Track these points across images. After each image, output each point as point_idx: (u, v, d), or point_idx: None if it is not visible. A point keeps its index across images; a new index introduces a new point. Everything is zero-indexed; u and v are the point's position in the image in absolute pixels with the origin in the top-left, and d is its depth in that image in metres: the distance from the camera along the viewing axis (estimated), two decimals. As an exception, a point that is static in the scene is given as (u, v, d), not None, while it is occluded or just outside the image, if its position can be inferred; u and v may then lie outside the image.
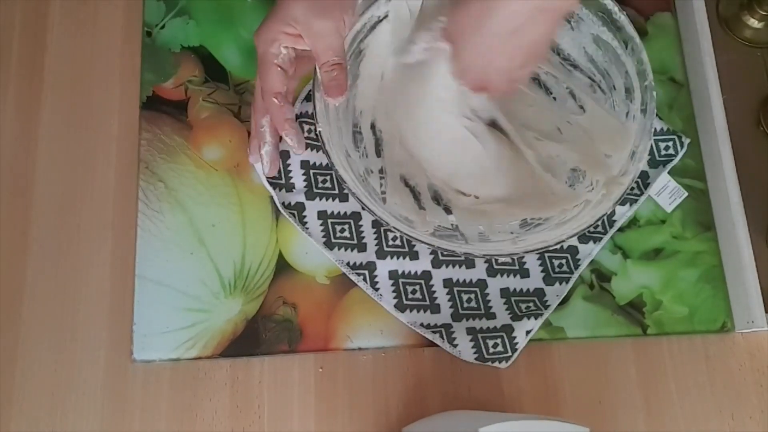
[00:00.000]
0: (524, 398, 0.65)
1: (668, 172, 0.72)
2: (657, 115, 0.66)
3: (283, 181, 0.69)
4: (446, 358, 0.66)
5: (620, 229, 0.70)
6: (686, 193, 0.72)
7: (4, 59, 0.73)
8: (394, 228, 0.60)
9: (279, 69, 0.61)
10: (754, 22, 0.76)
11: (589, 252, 0.69)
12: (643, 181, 0.71)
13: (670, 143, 0.73)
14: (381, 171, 0.68)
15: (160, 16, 0.74)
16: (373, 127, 0.70)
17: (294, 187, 0.69)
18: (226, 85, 0.73)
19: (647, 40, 0.76)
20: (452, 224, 0.66)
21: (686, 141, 0.73)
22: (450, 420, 0.61)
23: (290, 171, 0.70)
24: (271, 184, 0.69)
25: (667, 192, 0.72)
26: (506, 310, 0.67)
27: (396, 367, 0.66)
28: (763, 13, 0.75)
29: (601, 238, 0.70)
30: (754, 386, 0.67)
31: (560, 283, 0.68)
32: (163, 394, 0.64)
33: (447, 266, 0.68)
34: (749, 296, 0.67)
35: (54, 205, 0.69)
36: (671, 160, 0.72)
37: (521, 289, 0.68)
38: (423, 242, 0.61)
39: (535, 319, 0.66)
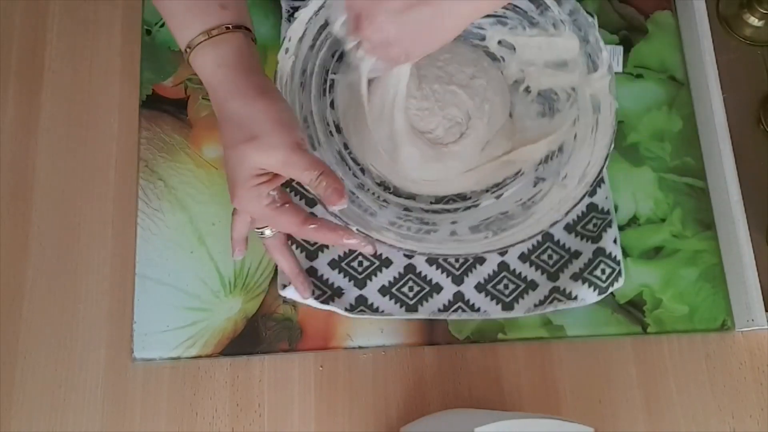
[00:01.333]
0: (524, 397, 0.65)
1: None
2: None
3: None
4: (446, 357, 0.66)
5: (620, 228, 0.70)
6: (621, 46, 0.71)
7: (4, 59, 0.73)
8: (357, 228, 0.60)
9: (287, 206, 0.58)
10: (754, 21, 0.76)
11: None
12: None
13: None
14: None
15: (159, 15, 0.74)
16: (346, 147, 0.69)
17: None
18: (226, 84, 0.73)
19: (647, 39, 0.76)
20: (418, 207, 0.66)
21: (595, 19, 0.69)
22: (450, 419, 0.61)
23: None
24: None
25: (607, 59, 0.68)
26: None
27: (396, 365, 0.66)
28: (764, 12, 0.75)
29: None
30: (754, 385, 0.67)
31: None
32: (163, 392, 0.64)
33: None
34: (749, 295, 0.67)
35: (54, 204, 0.69)
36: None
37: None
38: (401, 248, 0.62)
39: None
